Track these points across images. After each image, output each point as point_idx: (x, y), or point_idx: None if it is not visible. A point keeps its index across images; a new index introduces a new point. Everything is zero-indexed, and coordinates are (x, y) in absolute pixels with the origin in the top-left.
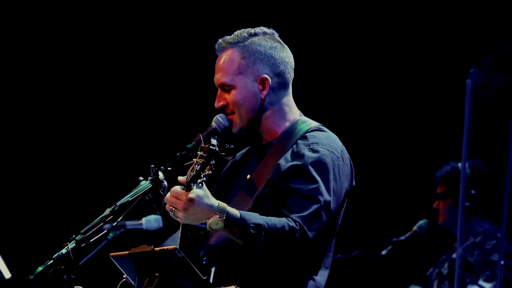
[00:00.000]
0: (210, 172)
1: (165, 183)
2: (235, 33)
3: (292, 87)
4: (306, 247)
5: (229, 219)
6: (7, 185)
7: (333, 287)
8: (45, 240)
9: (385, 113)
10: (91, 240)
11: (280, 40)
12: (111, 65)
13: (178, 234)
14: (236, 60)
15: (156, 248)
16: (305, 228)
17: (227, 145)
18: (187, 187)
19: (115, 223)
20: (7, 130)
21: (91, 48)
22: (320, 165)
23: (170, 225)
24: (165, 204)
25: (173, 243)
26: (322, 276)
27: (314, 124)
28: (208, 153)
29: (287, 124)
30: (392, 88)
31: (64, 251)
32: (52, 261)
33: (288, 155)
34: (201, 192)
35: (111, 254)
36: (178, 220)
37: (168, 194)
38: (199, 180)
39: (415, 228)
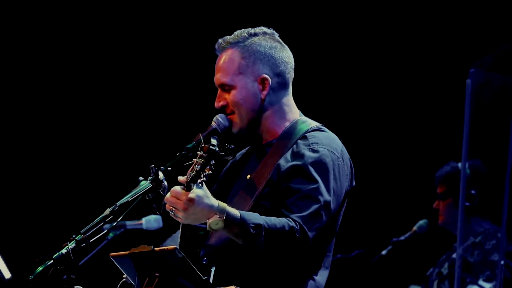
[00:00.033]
0: (210, 172)
1: (165, 183)
2: (235, 33)
3: (292, 87)
4: (306, 247)
5: (229, 219)
6: (7, 185)
7: (333, 287)
8: (45, 240)
9: (385, 113)
10: (91, 240)
11: (280, 40)
12: (111, 65)
13: (178, 234)
14: (236, 60)
15: (156, 248)
16: (305, 228)
17: (227, 145)
18: (187, 187)
19: (115, 223)
20: (7, 130)
21: (91, 48)
22: (320, 165)
23: (170, 225)
24: (165, 204)
25: (173, 243)
26: (322, 276)
27: (314, 124)
28: (208, 153)
29: (287, 124)
30: (392, 88)
31: (64, 251)
32: (52, 261)
33: (288, 155)
34: (201, 192)
35: (111, 254)
36: (178, 220)
37: (168, 194)
38: (199, 180)
39: (415, 228)
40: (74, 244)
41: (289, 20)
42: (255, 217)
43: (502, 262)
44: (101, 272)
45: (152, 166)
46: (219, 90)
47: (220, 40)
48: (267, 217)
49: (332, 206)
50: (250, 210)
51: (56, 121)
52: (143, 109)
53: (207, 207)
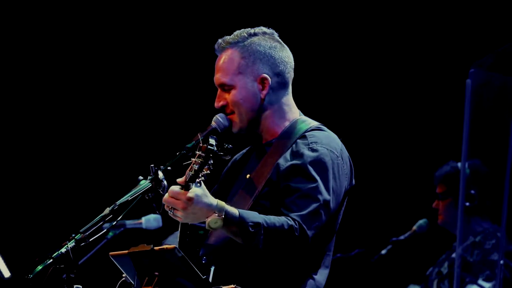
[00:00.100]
0: (208, 171)
1: (165, 182)
2: (235, 33)
3: (292, 87)
4: (306, 246)
5: (228, 218)
6: (7, 185)
7: (333, 286)
8: (45, 239)
9: (385, 113)
10: (90, 239)
11: (280, 40)
12: (111, 65)
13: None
14: (235, 60)
15: (155, 248)
16: (304, 227)
17: (225, 145)
18: (186, 187)
19: (115, 222)
20: (7, 130)
21: (91, 48)
22: (320, 164)
23: (169, 224)
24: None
25: (175, 240)
26: (322, 275)
27: (313, 123)
28: (206, 152)
29: (287, 123)
30: (392, 88)
31: (63, 250)
32: (51, 260)
33: (287, 154)
34: (200, 191)
35: (111, 253)
36: (177, 219)
37: (166, 195)
38: (197, 180)
39: (414, 227)
40: (73, 243)
41: (289, 20)
42: (254, 216)
43: (501, 262)
44: (100, 271)
45: (152, 165)
46: (219, 90)
47: (219, 40)
48: (266, 216)
49: (331, 205)
50: (250, 210)
51: (56, 121)
52: (143, 109)
53: (206, 206)
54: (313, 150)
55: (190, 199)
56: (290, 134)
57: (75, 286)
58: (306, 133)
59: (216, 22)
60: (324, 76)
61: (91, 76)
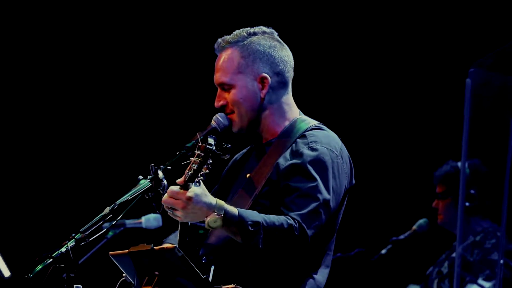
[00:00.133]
0: (207, 171)
1: (165, 182)
2: (235, 32)
3: (292, 86)
4: (305, 245)
5: (227, 217)
6: (7, 185)
7: (333, 286)
8: (45, 238)
9: (385, 112)
10: (90, 239)
11: (280, 39)
12: (111, 65)
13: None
14: (235, 60)
15: (155, 247)
16: (304, 226)
17: (224, 144)
18: (185, 186)
19: (115, 221)
20: (7, 130)
21: (91, 48)
22: (319, 163)
23: (169, 224)
24: None
25: (176, 239)
26: (322, 275)
27: (313, 122)
28: (205, 152)
29: (287, 123)
30: (392, 88)
31: (63, 249)
32: (51, 259)
33: (287, 154)
34: (199, 190)
35: (111, 252)
36: (177, 219)
37: (165, 196)
38: (196, 179)
39: (414, 227)
40: (73, 243)
41: (289, 20)
42: (253, 215)
43: (501, 261)
44: (100, 270)
45: (152, 165)
46: (218, 89)
47: (219, 40)
48: (266, 215)
49: (331, 204)
50: (249, 209)
51: (56, 121)
52: (143, 109)
53: (205, 205)
54: (312, 149)
55: (189, 199)
56: (290, 134)
57: (75, 285)
58: (306, 133)
59: (216, 22)
60: (324, 76)
61: (91, 76)
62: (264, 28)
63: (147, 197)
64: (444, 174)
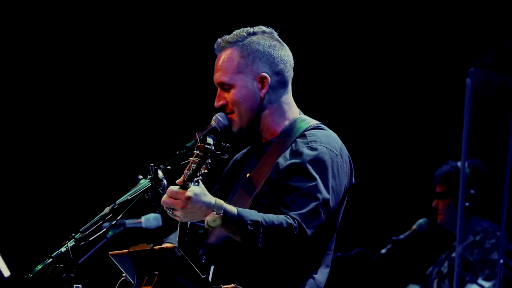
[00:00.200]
0: (206, 171)
1: (165, 181)
2: (234, 32)
3: (292, 86)
4: (305, 245)
5: (226, 216)
6: (7, 185)
7: (333, 285)
8: (45, 238)
9: (385, 112)
10: (90, 239)
11: (279, 38)
12: (111, 65)
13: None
14: (235, 59)
15: (155, 247)
16: (304, 225)
17: (223, 144)
18: (184, 186)
19: (115, 221)
20: (7, 130)
21: (91, 48)
22: (319, 163)
23: (169, 223)
24: None
25: (176, 239)
26: (322, 275)
27: (313, 122)
28: (204, 152)
29: (287, 122)
30: (392, 88)
31: (63, 249)
32: (51, 259)
33: (287, 153)
34: (198, 190)
35: (111, 252)
36: (177, 218)
37: (165, 196)
38: (195, 179)
39: (414, 227)
40: (73, 243)
41: (289, 19)
42: (252, 214)
43: (501, 261)
44: (100, 270)
45: (152, 164)
46: (218, 89)
47: (219, 40)
48: (265, 214)
49: (331, 203)
50: (249, 209)
51: (56, 121)
52: (143, 109)
53: (205, 204)
54: (312, 149)
55: (188, 198)
56: (289, 133)
57: (75, 285)
58: (305, 132)
59: (216, 22)
60: (324, 75)
61: (91, 76)
62: (264, 28)
63: (147, 197)
64: (444, 174)
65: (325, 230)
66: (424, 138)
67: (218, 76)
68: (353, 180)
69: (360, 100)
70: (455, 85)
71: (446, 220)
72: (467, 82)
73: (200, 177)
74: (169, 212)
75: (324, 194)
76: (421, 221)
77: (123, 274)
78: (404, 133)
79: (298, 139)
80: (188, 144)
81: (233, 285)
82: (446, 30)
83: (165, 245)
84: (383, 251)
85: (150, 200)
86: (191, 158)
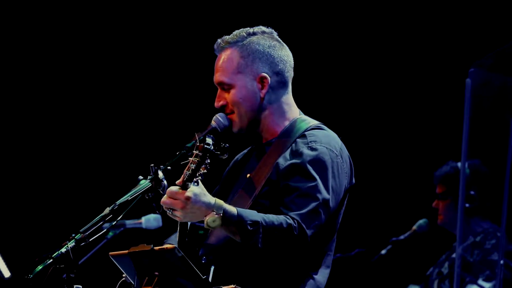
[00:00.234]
0: (205, 171)
1: (165, 182)
2: (234, 32)
3: (292, 86)
4: (305, 245)
5: (226, 216)
6: (7, 185)
7: (333, 286)
8: (45, 239)
9: (385, 112)
10: (90, 239)
11: (279, 39)
12: (111, 65)
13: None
14: (235, 60)
15: (155, 247)
16: (303, 225)
17: (222, 144)
18: (184, 186)
19: (115, 222)
20: (7, 130)
21: (91, 48)
22: (319, 163)
23: (169, 224)
24: None
25: (176, 239)
26: (322, 275)
27: (313, 122)
28: (203, 152)
29: (287, 123)
30: (392, 88)
31: (63, 250)
32: (51, 260)
33: (287, 153)
34: (197, 190)
35: (111, 253)
36: (176, 219)
37: (164, 197)
38: (195, 179)
39: (414, 227)
40: (73, 243)
41: (289, 19)
42: (252, 214)
43: (501, 262)
44: (100, 271)
45: (152, 165)
46: (218, 89)
47: (219, 40)
48: (265, 215)
49: (331, 204)
50: (249, 209)
51: (56, 121)
52: (143, 109)
53: (204, 204)
54: (312, 149)
55: (188, 198)
56: (290, 133)
57: (75, 286)
58: (305, 132)
59: (216, 22)
60: (324, 75)
61: (91, 76)
62: (263, 28)
63: (147, 198)
64: (444, 175)
65: (325, 231)
66: (424, 139)
67: (218, 77)
68: (353, 181)
69: (360, 100)
70: (455, 86)
71: (446, 220)
72: (467, 82)
73: (200, 177)
74: (169, 213)
75: (324, 194)
76: (421, 221)
77: (124, 275)
78: (404, 133)
79: (298, 139)
80: (188, 145)
81: (233, 286)
82: (446, 31)
83: (165, 245)
84: (383, 251)
85: (150, 201)
86: (191, 159)
